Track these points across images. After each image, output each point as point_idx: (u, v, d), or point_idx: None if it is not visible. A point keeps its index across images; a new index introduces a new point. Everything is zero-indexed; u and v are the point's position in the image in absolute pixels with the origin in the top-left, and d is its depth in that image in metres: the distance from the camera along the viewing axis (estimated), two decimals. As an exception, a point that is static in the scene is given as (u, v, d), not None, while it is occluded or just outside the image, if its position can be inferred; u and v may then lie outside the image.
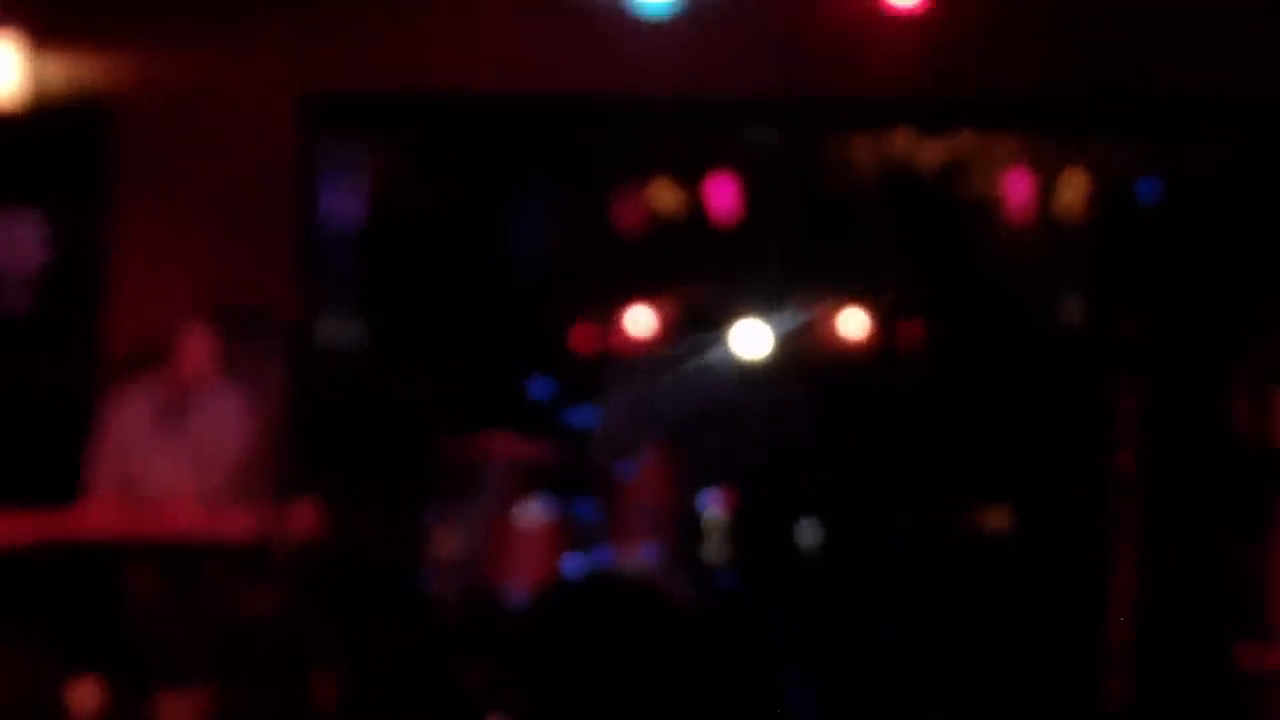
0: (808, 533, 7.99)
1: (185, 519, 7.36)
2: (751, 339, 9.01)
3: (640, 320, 9.65)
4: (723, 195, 10.00)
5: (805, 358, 9.07)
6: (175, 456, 7.67)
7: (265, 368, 8.59)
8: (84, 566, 7.35)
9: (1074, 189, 9.88)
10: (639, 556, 7.08)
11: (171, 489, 7.59)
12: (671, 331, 9.59)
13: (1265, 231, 8.20)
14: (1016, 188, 9.83)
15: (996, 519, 9.05)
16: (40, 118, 8.83)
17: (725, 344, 9.02)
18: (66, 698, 7.28)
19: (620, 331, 9.71)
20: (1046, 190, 9.91)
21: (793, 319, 9.30)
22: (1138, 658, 7.17)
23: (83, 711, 7.27)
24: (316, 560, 7.47)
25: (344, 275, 9.49)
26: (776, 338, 9.08)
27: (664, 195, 10.25)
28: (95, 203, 9.03)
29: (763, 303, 9.39)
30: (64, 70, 8.74)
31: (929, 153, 9.99)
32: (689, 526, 7.49)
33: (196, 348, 7.71)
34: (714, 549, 7.55)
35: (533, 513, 7.40)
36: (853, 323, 9.33)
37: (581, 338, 9.73)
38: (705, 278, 9.83)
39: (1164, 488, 7.70)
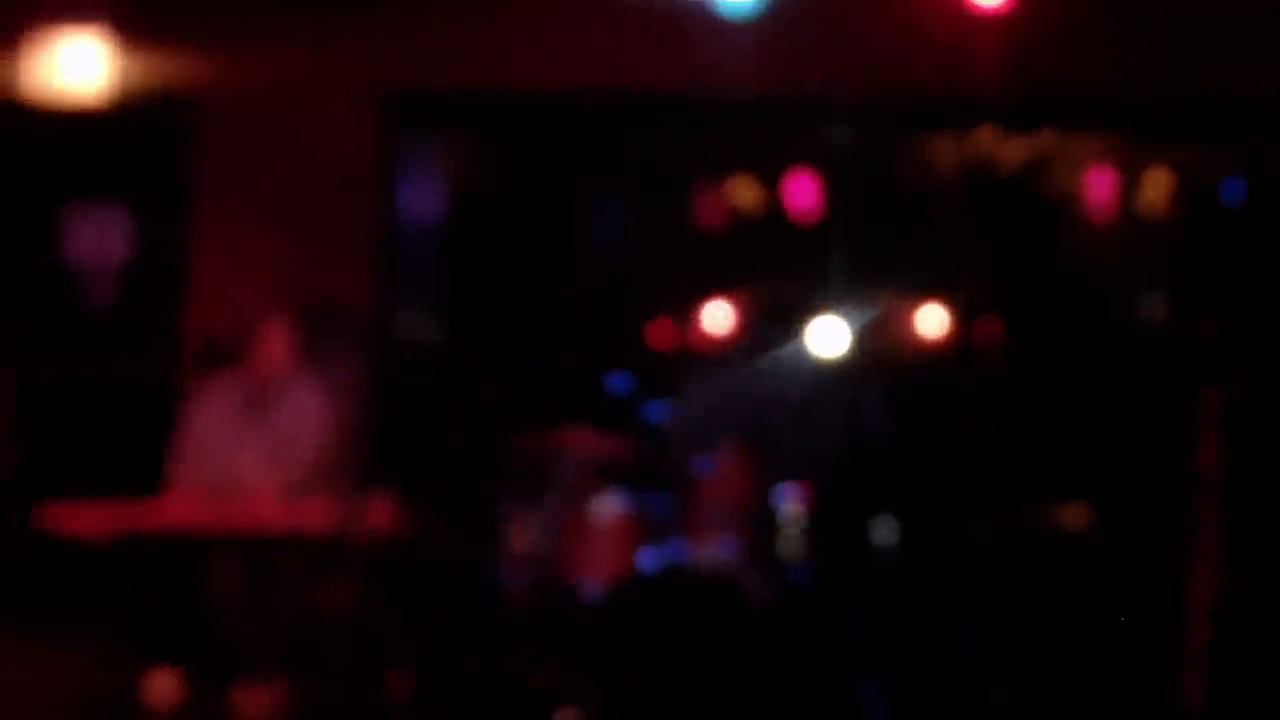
0: (883, 531, 7.94)
1: (265, 512, 7.40)
2: (829, 336, 8.97)
3: (718, 316, 9.63)
4: (802, 193, 9.97)
5: (882, 355, 9.03)
6: (255, 450, 7.72)
7: (344, 364, 8.64)
8: (164, 559, 7.40)
9: (1157, 188, 9.81)
10: (714, 552, 7.06)
11: (251, 482, 7.64)
12: (749, 328, 9.56)
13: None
14: (1098, 186, 9.76)
15: (1075, 520, 8.97)
16: (124, 114, 8.92)
17: (802, 341, 8.99)
18: (144, 690, 7.34)
19: (698, 327, 9.70)
20: (1129, 189, 9.84)
21: (870, 316, 9.26)
22: (1215, 661, 7.09)
23: (161, 704, 7.32)
24: (392, 555, 7.49)
25: (422, 272, 9.53)
26: (854, 335, 9.04)
27: (743, 192, 10.24)
28: (177, 198, 9.12)
29: (840, 300, 9.35)
30: (147, 67, 8.83)
31: (1011, 151, 9.93)
32: (764, 523, 7.46)
33: (276, 342, 7.76)
34: (789, 546, 7.52)
35: (608, 508, 7.39)
36: (931, 320, 9.28)
37: (659, 334, 9.73)
38: (783, 274, 9.80)
39: (1245, 490, 7.62)
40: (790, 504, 7.56)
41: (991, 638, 7.83)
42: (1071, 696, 7.55)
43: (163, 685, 7.36)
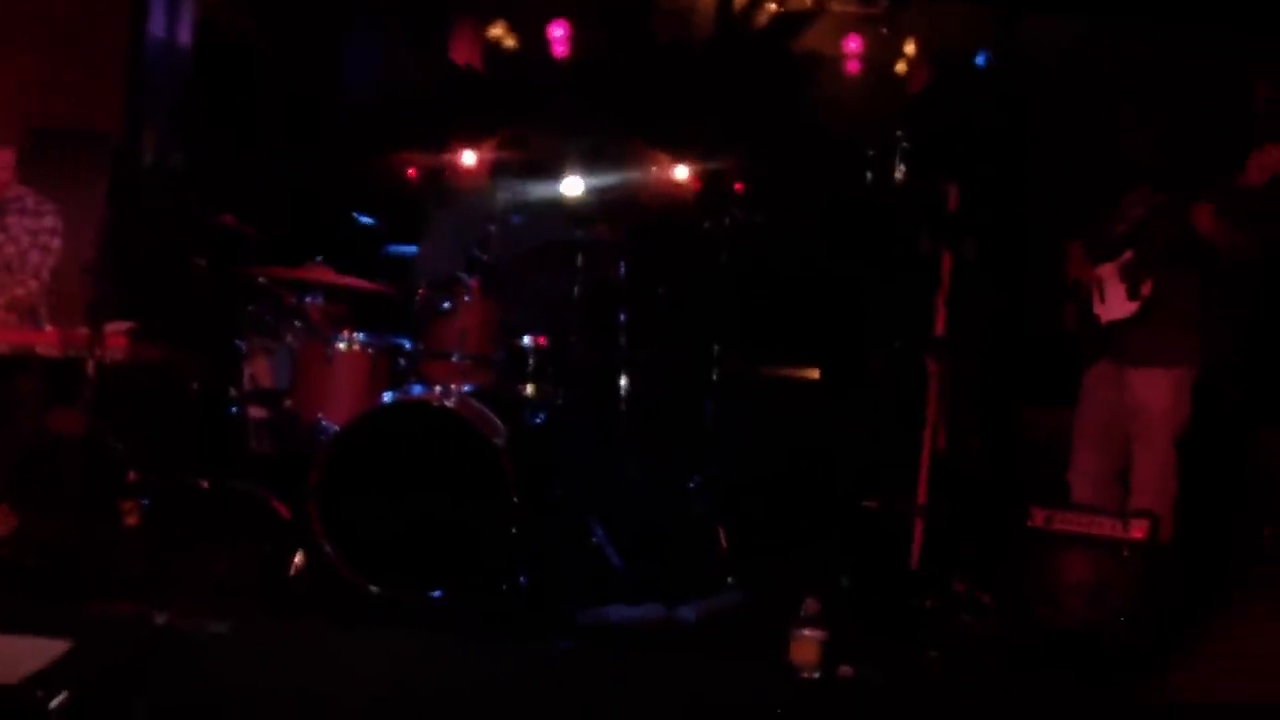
0: (619, 377, 8.05)
1: (-6, 332, 7.26)
2: (576, 182, 9.01)
3: (468, 157, 9.60)
4: (558, 39, 9.96)
5: (628, 204, 9.10)
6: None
7: (87, 186, 8.47)
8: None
9: (908, 53, 9.97)
10: (452, 392, 7.08)
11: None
12: (498, 170, 9.55)
13: (1099, 116, 8.33)
14: (850, 49, 9.89)
15: (809, 376, 9.18)
16: None
17: (551, 186, 9.01)
18: None
19: (448, 167, 9.66)
20: (882, 54, 9.99)
21: (619, 162, 9.31)
22: (937, 517, 7.35)
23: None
24: (127, 382, 7.40)
25: (170, 99, 9.34)
26: (601, 183, 9.09)
27: (500, 35, 10.19)
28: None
29: (590, 147, 9.39)
30: None
31: (765, 9, 10.01)
32: (503, 365, 7.50)
33: (5, 165, 7.54)
34: (526, 388, 7.58)
35: (349, 344, 7.37)
36: (677, 172, 9.36)
37: (410, 173, 9.66)
38: (536, 119, 9.81)
39: (975, 355, 7.87)
40: (529, 347, 7.59)
41: (722, 489, 8.02)
42: (799, 549, 7.77)
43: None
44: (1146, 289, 6.90)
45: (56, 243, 7.73)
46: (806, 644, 5.88)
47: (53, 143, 8.30)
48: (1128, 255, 6.97)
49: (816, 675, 5.82)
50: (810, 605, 5.91)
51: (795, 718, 5.60)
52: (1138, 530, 6.44)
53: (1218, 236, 6.62)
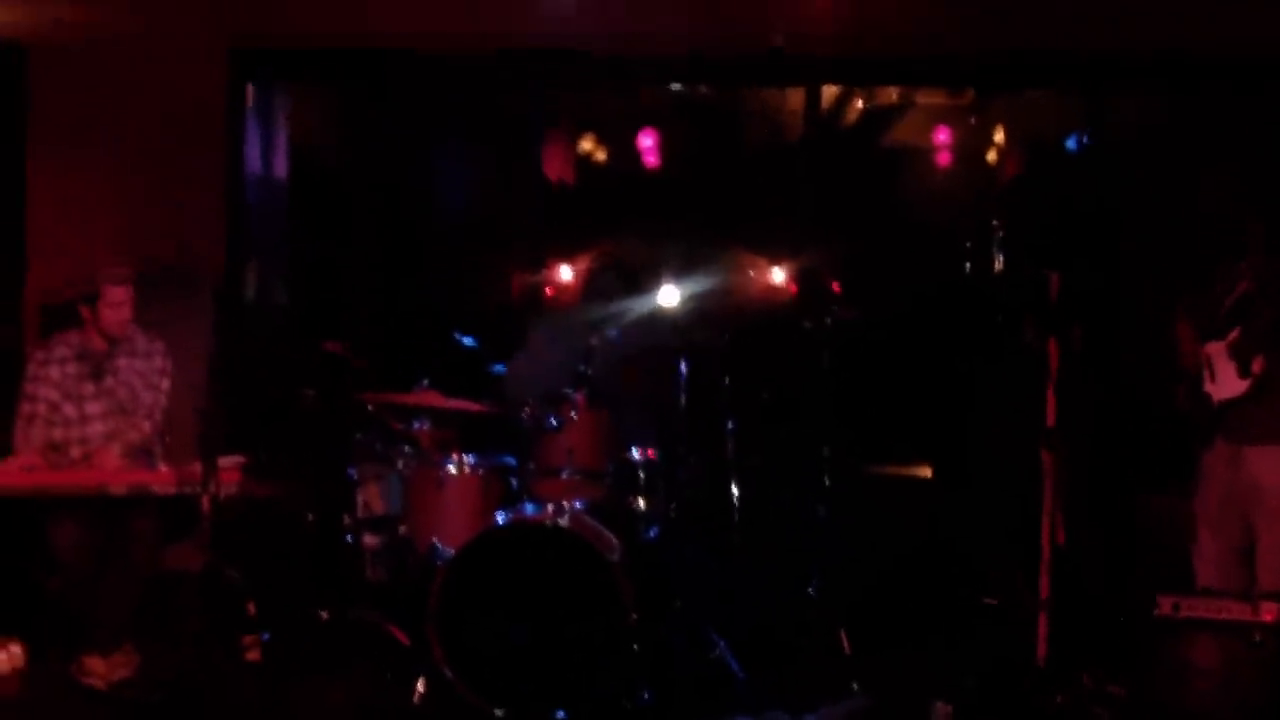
0: (730, 485, 8.02)
1: (110, 473, 7.32)
2: (674, 291, 9.02)
3: (565, 272, 9.66)
4: (648, 149, 10.02)
5: (725, 310, 9.11)
6: (100, 411, 7.64)
7: (193, 322, 8.56)
8: (7, 522, 7.30)
9: (1000, 142, 9.96)
10: (565, 509, 7.08)
11: (97, 444, 7.56)
12: (595, 284, 9.59)
13: (1190, 190, 8.28)
14: (941, 140, 9.89)
15: (920, 472, 9.13)
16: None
17: (650, 298, 9.03)
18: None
19: (546, 284, 9.72)
20: (972, 144, 9.98)
21: (714, 271, 9.32)
22: (1061, 611, 7.25)
23: (3, 672, 7.24)
24: (242, 516, 7.44)
25: (270, 230, 9.45)
26: (697, 290, 9.09)
27: (590, 149, 10.27)
28: (13, 152, 8.97)
29: (684, 255, 9.42)
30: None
31: (854, 107, 10.04)
32: (613, 479, 7.50)
33: (118, 303, 7.64)
34: (637, 501, 7.57)
35: (460, 467, 7.39)
36: (774, 274, 9.36)
37: (508, 290, 9.72)
38: (629, 230, 9.86)
39: (1087, 443, 7.79)
40: (638, 460, 7.59)
41: (839, 592, 7.95)
42: (921, 646, 7.70)
43: (5, 653, 7.29)
44: (1258, 366, 6.80)
45: (167, 384, 7.83)
46: (941, 746, 5.84)
47: (157, 279, 8.40)
48: (1236, 332, 6.89)
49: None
50: (941, 709, 5.86)
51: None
52: (1268, 613, 6.32)
53: None
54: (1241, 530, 6.98)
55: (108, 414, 7.66)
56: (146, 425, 7.71)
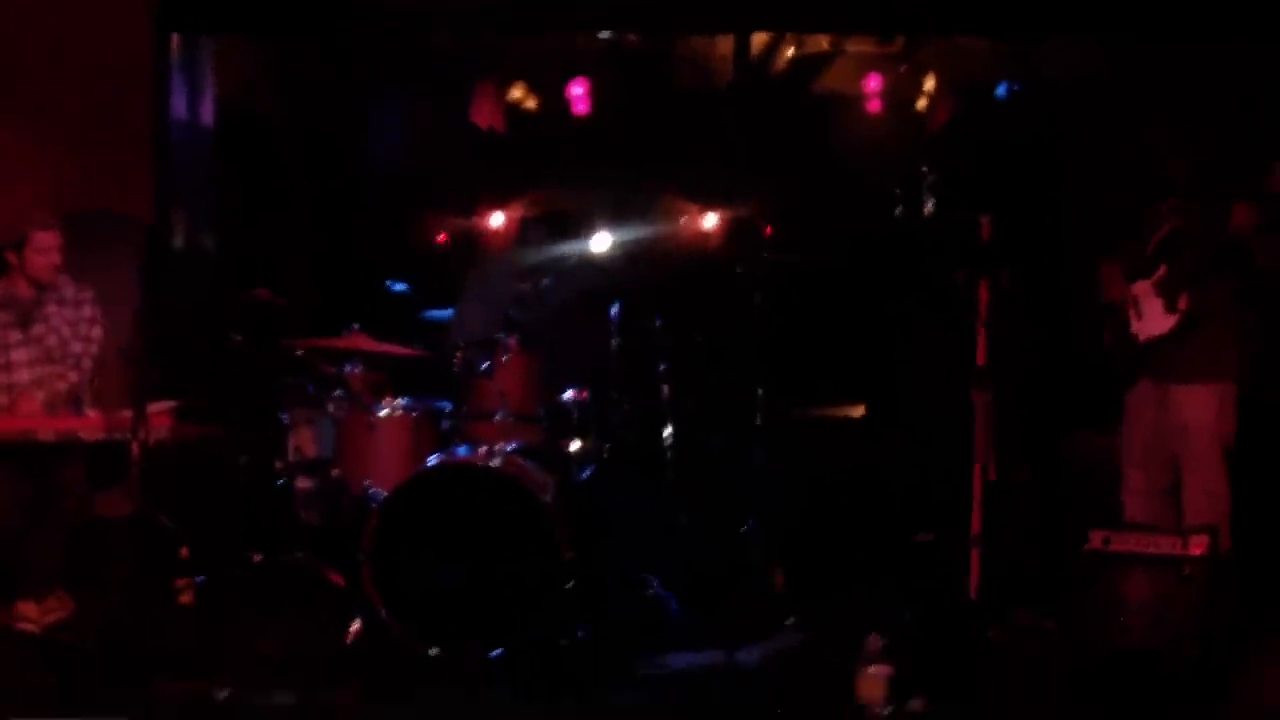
0: (663, 427, 8.04)
1: (38, 420, 7.26)
2: (605, 237, 9.03)
3: (496, 219, 9.65)
4: (578, 98, 10.00)
5: (658, 255, 9.12)
6: (27, 358, 7.57)
7: (120, 270, 8.50)
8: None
9: (930, 91, 9.98)
10: (497, 451, 7.07)
11: (24, 393, 7.49)
12: (527, 229, 9.60)
13: (1118, 134, 8.33)
14: (871, 88, 9.91)
15: (853, 413, 9.18)
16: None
17: (581, 241, 9.04)
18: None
19: (478, 231, 9.71)
20: (902, 91, 10.01)
21: (645, 215, 9.34)
22: (993, 547, 7.30)
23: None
24: (172, 461, 7.41)
25: (197, 179, 9.38)
26: (630, 235, 9.11)
27: (520, 97, 10.24)
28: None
29: (616, 201, 9.43)
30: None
31: (784, 54, 10.04)
32: (546, 422, 7.50)
33: (44, 251, 7.57)
34: (571, 443, 7.57)
35: (392, 410, 7.38)
36: (706, 220, 9.38)
37: (440, 237, 9.69)
38: (560, 176, 9.85)
39: (1018, 382, 7.83)
40: (571, 403, 7.60)
41: (771, 531, 7.99)
42: (851, 585, 7.74)
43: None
44: (1184, 302, 6.86)
45: (97, 331, 7.75)
46: (873, 681, 5.86)
47: (84, 227, 8.32)
48: (1162, 270, 6.95)
49: (887, 712, 5.79)
50: (873, 642, 5.88)
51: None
52: (1197, 546, 6.38)
53: (1256, 237, 6.60)
54: (1169, 469, 7.05)
55: (34, 362, 7.58)
56: (74, 375, 7.64)
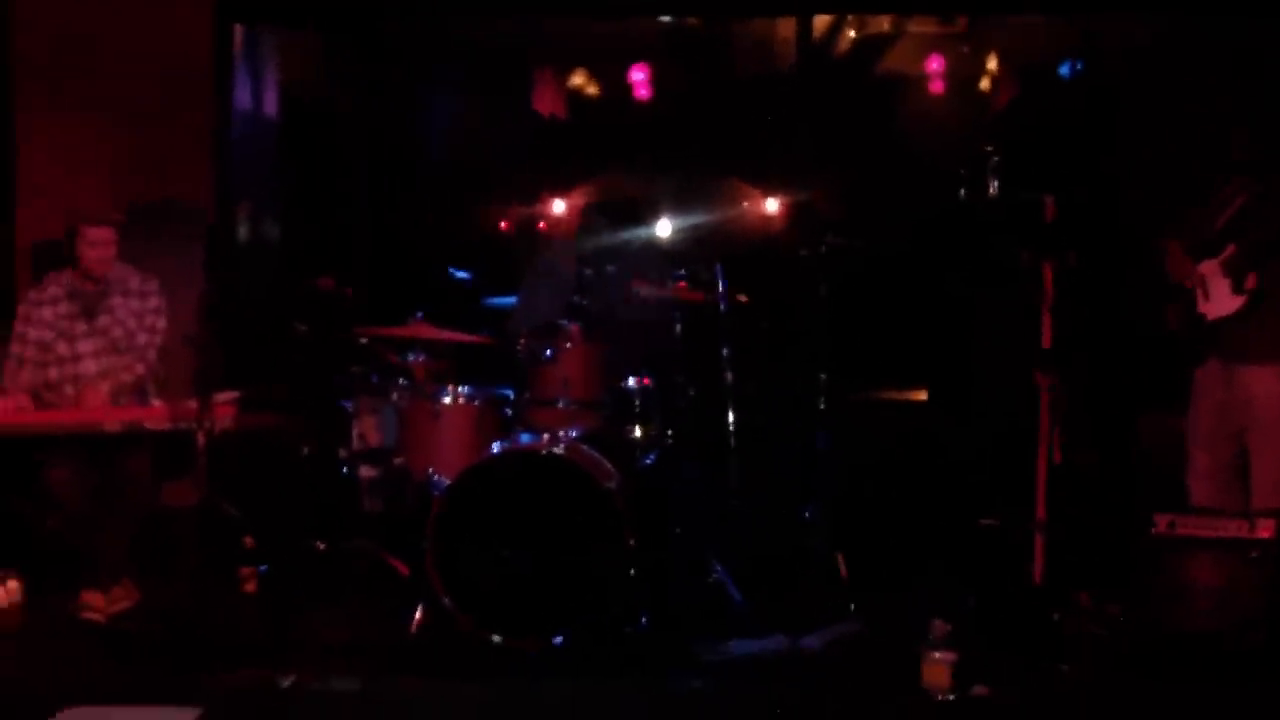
0: (727, 413, 8.01)
1: (104, 411, 7.31)
2: (668, 224, 9.02)
3: (558, 206, 9.66)
4: (639, 83, 9.99)
5: (722, 241, 9.09)
6: (92, 349, 7.62)
7: (185, 261, 8.55)
8: (4, 461, 7.30)
9: (993, 70, 9.92)
10: (560, 438, 7.07)
11: (89, 384, 7.55)
12: (591, 215, 9.58)
13: (1183, 111, 8.26)
14: (933, 69, 9.85)
15: (917, 397, 9.14)
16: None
17: (644, 227, 9.02)
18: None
19: (540, 218, 9.71)
20: (965, 72, 9.94)
21: (709, 203, 9.32)
22: (1058, 531, 7.25)
23: (2, 608, 7.26)
24: (237, 451, 7.45)
25: (261, 169, 9.42)
26: (693, 222, 9.09)
27: (581, 84, 10.23)
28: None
29: (679, 187, 9.41)
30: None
31: (846, 36, 9.99)
32: (609, 408, 7.49)
33: (98, 241, 7.62)
34: (634, 430, 7.56)
35: (455, 398, 7.38)
36: (769, 204, 9.35)
37: (501, 225, 9.71)
38: (623, 163, 9.84)
39: (1083, 365, 7.77)
40: (634, 389, 7.59)
41: (836, 511, 7.96)
42: (916, 570, 7.72)
43: (3, 588, 7.30)
44: (1251, 282, 6.79)
45: (162, 323, 7.79)
46: (938, 667, 5.84)
47: (149, 218, 8.38)
48: (1230, 249, 6.88)
49: (951, 697, 5.77)
50: (938, 628, 5.86)
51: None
52: (1264, 529, 6.33)
53: None
54: (1235, 449, 6.99)
55: (100, 353, 7.64)
56: (140, 366, 7.69)
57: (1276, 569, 6.27)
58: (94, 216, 7.67)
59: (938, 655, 5.82)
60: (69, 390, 7.57)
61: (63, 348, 7.63)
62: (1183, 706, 5.85)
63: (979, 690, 5.81)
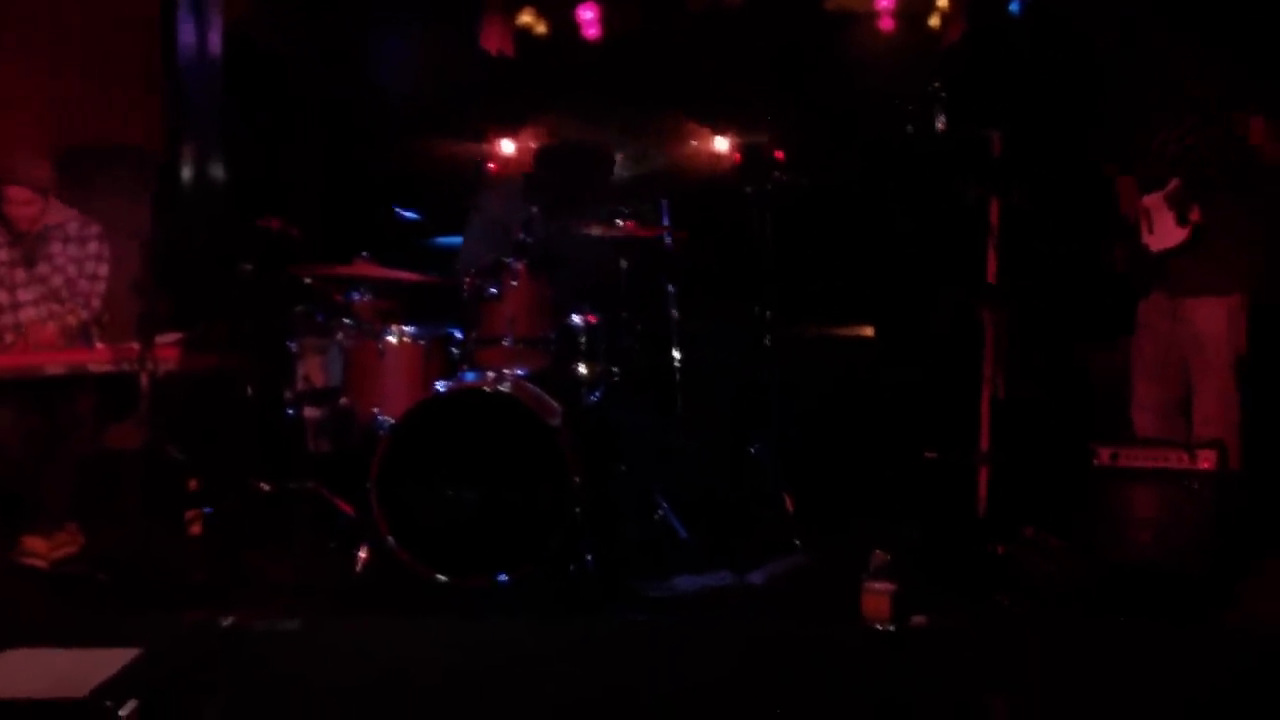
0: (672, 349, 8.00)
1: (46, 353, 7.26)
2: (617, 161, 9.00)
3: (506, 145, 9.63)
4: (588, 22, 9.93)
5: (669, 178, 9.08)
6: (33, 297, 7.58)
7: (130, 203, 8.50)
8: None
9: (942, 7, 9.89)
10: (506, 376, 7.05)
11: (31, 328, 7.50)
12: (538, 154, 9.55)
13: (1133, 48, 8.24)
14: (882, 5, 9.82)
15: (862, 333, 9.15)
16: None
17: (589, 164, 8.99)
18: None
19: (488, 157, 9.68)
20: (915, 8, 9.91)
21: (657, 141, 9.30)
22: (1002, 464, 7.28)
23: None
24: (181, 392, 7.41)
25: (206, 109, 9.35)
26: (640, 159, 9.07)
27: (530, 21, 10.16)
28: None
29: (627, 125, 9.38)
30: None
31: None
32: (555, 346, 7.47)
33: (19, 200, 7.55)
34: (580, 367, 7.55)
35: (400, 338, 7.35)
36: (717, 143, 9.34)
37: (449, 164, 9.66)
38: (572, 101, 9.79)
39: (1027, 299, 7.78)
40: (580, 326, 7.56)
41: (782, 447, 7.97)
42: (863, 502, 7.76)
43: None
44: (1195, 215, 6.82)
45: (104, 269, 7.74)
46: (878, 597, 5.86)
47: (92, 160, 8.32)
48: (1174, 183, 6.89)
49: (891, 628, 5.79)
50: (878, 558, 5.88)
51: (872, 670, 5.56)
52: (1206, 461, 6.37)
53: (1270, 149, 6.53)
54: (1179, 380, 7.03)
55: (40, 300, 7.59)
56: (83, 312, 7.63)
57: (1216, 500, 6.32)
58: (15, 176, 7.60)
59: (877, 586, 5.84)
60: (8, 339, 7.52)
61: (2, 296, 7.58)
62: (1118, 638, 5.87)
63: (918, 620, 5.83)
